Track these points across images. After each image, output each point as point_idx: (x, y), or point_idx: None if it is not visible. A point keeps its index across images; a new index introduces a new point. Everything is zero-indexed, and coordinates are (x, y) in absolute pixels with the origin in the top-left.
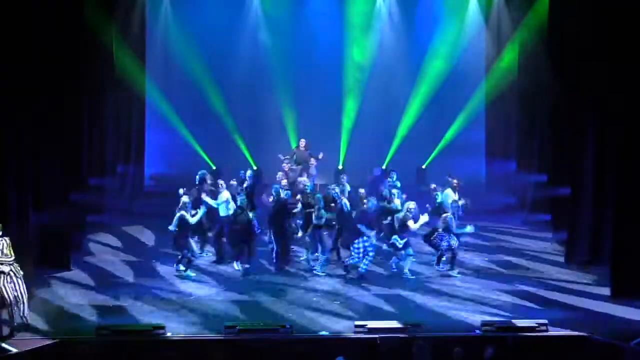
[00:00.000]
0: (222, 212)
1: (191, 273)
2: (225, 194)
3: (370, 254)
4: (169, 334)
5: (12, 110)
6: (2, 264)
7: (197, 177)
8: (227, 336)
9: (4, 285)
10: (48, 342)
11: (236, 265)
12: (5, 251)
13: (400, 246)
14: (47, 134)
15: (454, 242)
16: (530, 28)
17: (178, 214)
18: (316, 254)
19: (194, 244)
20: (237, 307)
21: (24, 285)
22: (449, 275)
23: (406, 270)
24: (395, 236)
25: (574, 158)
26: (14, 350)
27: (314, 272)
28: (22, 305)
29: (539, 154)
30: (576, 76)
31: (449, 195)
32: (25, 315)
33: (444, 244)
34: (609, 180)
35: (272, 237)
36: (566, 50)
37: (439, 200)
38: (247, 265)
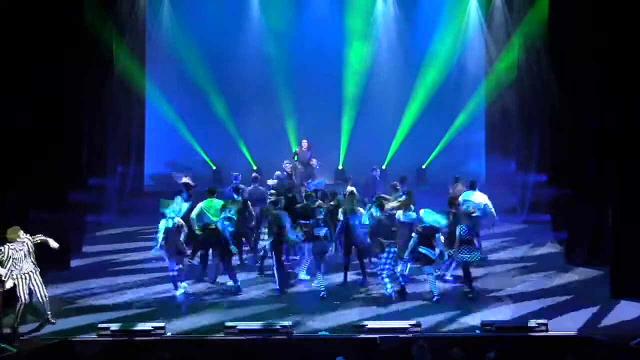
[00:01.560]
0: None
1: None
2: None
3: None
4: (169, 334)
5: (12, 110)
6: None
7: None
8: (227, 336)
9: (23, 285)
10: (48, 342)
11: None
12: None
13: (434, 257)
14: (47, 134)
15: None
16: (530, 28)
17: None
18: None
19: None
20: (237, 307)
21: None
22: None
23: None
24: (422, 246)
25: (574, 158)
26: (14, 350)
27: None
28: (46, 302)
29: (539, 154)
30: (576, 76)
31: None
32: (48, 312)
33: (463, 255)
34: (609, 180)
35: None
36: (566, 50)
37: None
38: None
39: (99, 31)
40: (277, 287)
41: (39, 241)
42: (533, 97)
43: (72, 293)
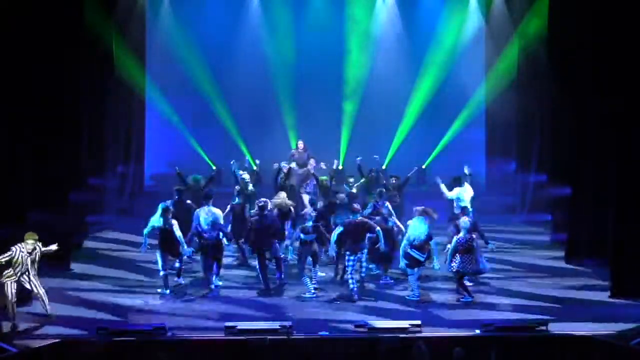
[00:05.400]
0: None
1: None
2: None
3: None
4: (169, 334)
5: (12, 110)
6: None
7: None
8: (227, 336)
9: (12, 284)
10: (48, 342)
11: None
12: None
13: (423, 260)
14: (47, 134)
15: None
16: (530, 27)
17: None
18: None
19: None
20: (237, 307)
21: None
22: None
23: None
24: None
25: (574, 158)
26: (14, 350)
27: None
28: (44, 298)
29: (539, 154)
30: (576, 76)
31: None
32: (47, 306)
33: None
34: (609, 180)
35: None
36: (566, 50)
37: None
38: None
39: (99, 31)
40: (263, 286)
41: (48, 252)
42: (533, 97)
43: (72, 293)
